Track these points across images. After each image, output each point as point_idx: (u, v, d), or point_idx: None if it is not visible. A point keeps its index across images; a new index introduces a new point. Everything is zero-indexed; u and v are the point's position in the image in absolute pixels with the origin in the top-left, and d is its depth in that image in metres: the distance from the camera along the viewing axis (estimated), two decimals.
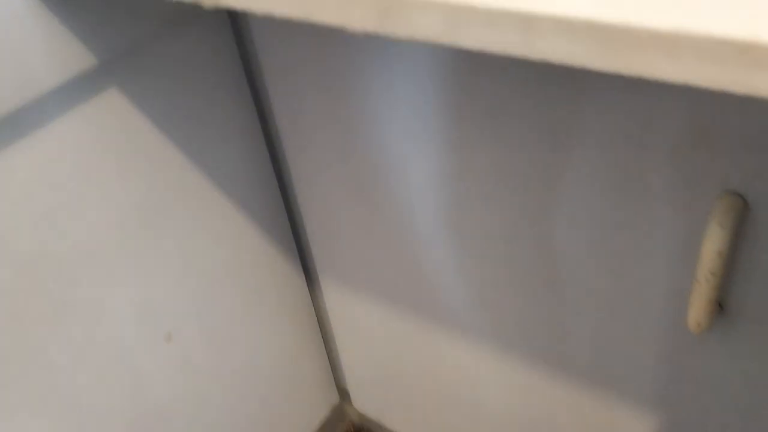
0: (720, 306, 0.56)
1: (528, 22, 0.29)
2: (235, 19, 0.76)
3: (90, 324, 0.71)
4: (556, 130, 0.57)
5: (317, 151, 0.80)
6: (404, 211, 0.77)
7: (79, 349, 0.71)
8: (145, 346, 0.79)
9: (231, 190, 0.83)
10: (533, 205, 0.64)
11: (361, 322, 1.00)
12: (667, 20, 0.26)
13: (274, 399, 1.03)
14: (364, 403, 1.18)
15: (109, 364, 0.75)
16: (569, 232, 0.63)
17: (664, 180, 0.53)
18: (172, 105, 0.72)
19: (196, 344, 0.86)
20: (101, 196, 0.68)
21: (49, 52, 0.58)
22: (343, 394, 1.19)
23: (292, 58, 0.73)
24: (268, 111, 0.83)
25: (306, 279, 1.01)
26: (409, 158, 0.71)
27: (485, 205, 0.68)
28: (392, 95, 0.66)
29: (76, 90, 0.62)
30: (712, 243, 0.49)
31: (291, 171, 0.88)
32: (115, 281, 0.72)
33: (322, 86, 0.72)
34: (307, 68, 0.72)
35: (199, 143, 0.77)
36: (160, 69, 0.69)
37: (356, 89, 0.69)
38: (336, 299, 1.01)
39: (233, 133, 0.81)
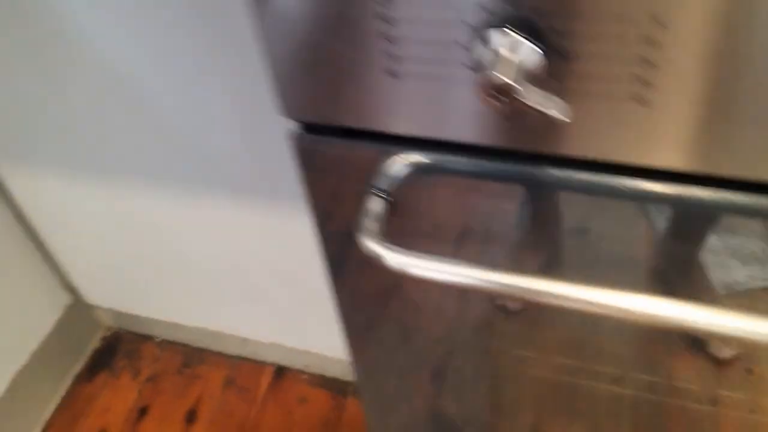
0: None
1: None
2: None
3: None
4: None
5: None
6: (76, 67, 0.79)
7: None
8: None
9: None
10: None
11: (65, 214, 1.01)
12: None
13: None
14: (96, 295, 1.20)
15: None
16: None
17: None
18: None
19: None
20: None
21: None
22: (74, 291, 1.20)
23: None
24: None
25: None
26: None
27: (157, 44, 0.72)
28: None
29: None
30: None
31: None
32: None
33: None
34: None
35: None
36: None
37: None
38: (30, 196, 1.01)
39: None
